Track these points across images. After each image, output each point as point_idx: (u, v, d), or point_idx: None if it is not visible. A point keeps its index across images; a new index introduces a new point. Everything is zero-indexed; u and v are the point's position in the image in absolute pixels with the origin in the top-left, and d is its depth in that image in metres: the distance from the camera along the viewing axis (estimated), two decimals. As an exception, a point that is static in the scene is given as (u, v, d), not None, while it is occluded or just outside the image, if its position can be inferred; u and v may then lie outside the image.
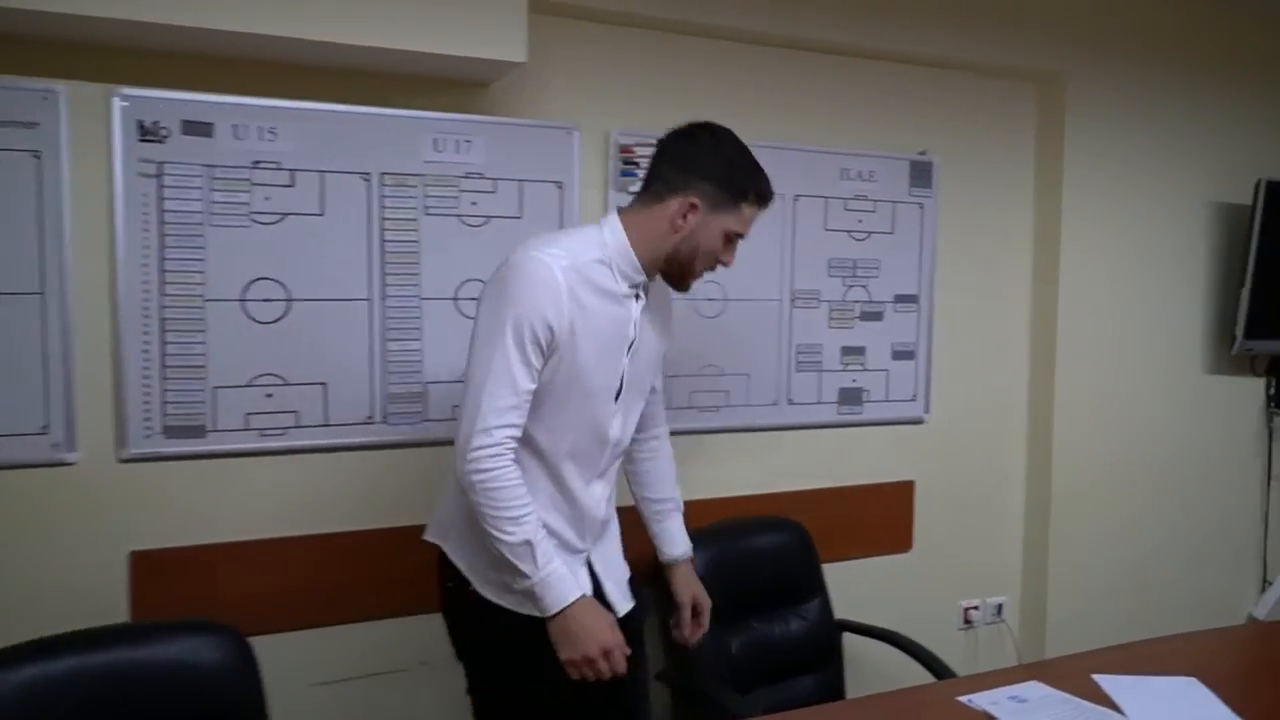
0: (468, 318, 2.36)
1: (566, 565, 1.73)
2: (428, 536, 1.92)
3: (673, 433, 2.59)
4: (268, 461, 2.25)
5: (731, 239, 1.78)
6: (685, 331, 2.63)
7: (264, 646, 2.12)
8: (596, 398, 1.77)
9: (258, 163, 2.18)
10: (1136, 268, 3.23)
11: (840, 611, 2.69)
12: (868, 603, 2.81)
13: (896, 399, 2.95)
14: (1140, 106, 3.17)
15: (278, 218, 2.20)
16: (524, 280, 1.67)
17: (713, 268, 1.82)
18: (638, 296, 1.79)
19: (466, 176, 2.36)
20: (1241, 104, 3.33)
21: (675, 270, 1.80)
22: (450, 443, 2.31)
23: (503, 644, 1.80)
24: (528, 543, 1.66)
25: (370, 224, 2.29)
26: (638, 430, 2.02)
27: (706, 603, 2.11)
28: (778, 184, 2.66)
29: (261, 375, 2.21)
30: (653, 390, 2.02)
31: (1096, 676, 2.01)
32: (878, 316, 2.90)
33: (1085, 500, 3.20)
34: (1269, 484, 3.53)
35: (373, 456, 2.34)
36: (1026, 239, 3.17)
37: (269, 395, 2.22)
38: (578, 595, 1.71)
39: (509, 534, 1.66)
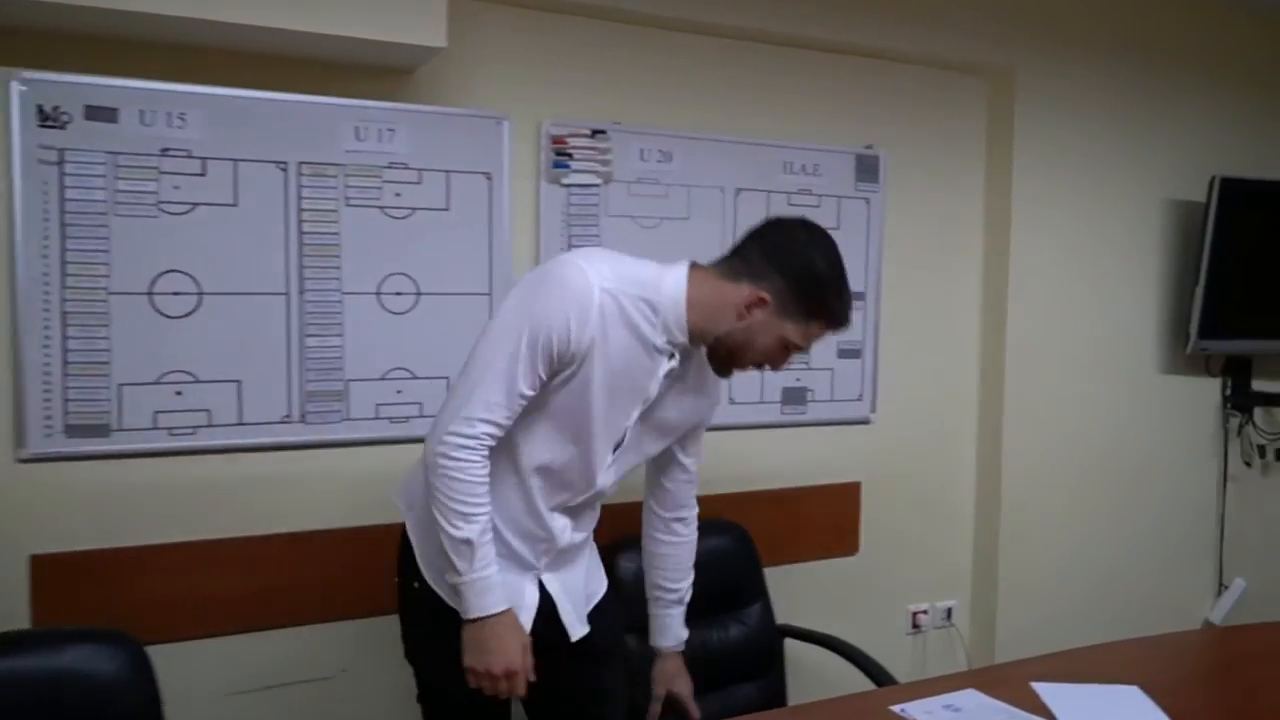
0: (391, 313, 2.31)
1: (510, 578, 1.70)
2: (393, 495, 1.86)
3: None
4: (177, 462, 2.16)
5: (789, 348, 1.71)
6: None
7: (175, 654, 2.08)
8: (595, 438, 1.70)
9: (166, 150, 2.10)
10: (1089, 266, 3.19)
11: (784, 616, 2.63)
12: (813, 607, 2.75)
13: (842, 398, 2.90)
14: (1093, 101, 3.13)
15: (188, 208, 2.12)
16: (558, 286, 1.60)
17: (760, 366, 1.75)
18: (672, 356, 1.69)
19: (390, 167, 2.29)
20: (1197, 100, 3.30)
21: (722, 353, 1.72)
22: (373, 442, 2.31)
23: (453, 647, 1.71)
24: (469, 542, 1.60)
25: (288, 215, 2.21)
26: (663, 508, 1.99)
27: (684, 695, 2.08)
28: (717, 176, 2.67)
29: (171, 372, 2.13)
30: (684, 470, 1.97)
31: (1036, 685, 1.97)
32: (823, 314, 2.84)
33: (1037, 502, 3.16)
34: (1225, 485, 3.50)
35: (290, 458, 2.26)
36: (976, 236, 3.12)
37: (179, 393, 2.14)
38: (501, 608, 1.65)
39: (455, 528, 1.60)
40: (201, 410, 2.17)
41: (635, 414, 1.71)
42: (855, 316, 2.79)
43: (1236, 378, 3.44)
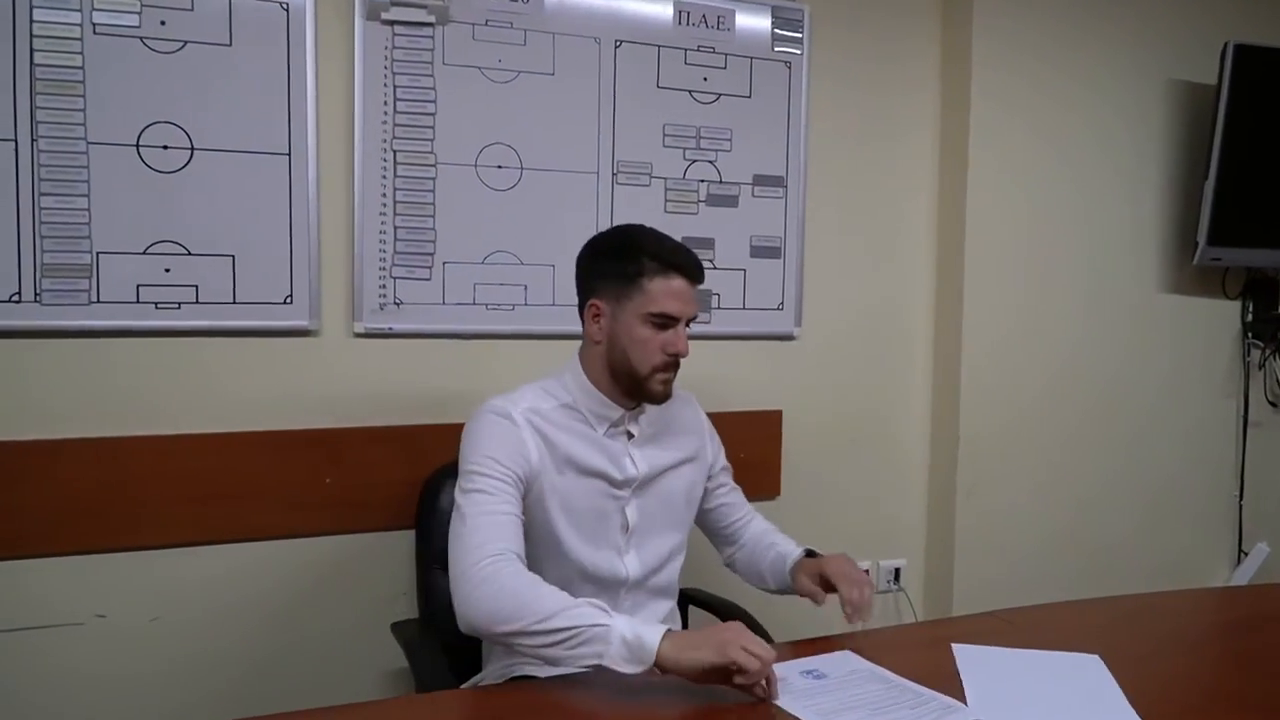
0: (156, 171, 1.96)
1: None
2: None
3: (450, 335, 2.21)
4: None
5: (658, 323, 1.61)
6: (468, 206, 2.20)
7: None
8: (583, 546, 1.66)
9: None
10: (1070, 155, 2.74)
11: (687, 573, 2.21)
12: (718, 563, 2.33)
13: (757, 307, 2.48)
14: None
15: (-125, 25, 1.77)
16: (481, 427, 1.60)
17: (664, 367, 1.63)
18: (630, 435, 1.70)
19: (150, -13, 1.92)
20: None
21: (629, 384, 1.65)
22: (131, 333, 1.96)
23: None
24: (587, 603, 1.38)
25: (15, 42, 1.84)
26: (728, 545, 1.93)
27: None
28: (592, 23, 2.26)
29: None
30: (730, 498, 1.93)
31: (956, 647, 1.57)
32: (731, 201, 2.43)
33: (1005, 446, 2.72)
34: (1245, 432, 3.03)
35: (20, 346, 1.90)
36: (929, 111, 2.69)
37: None
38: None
39: (542, 620, 1.35)
40: (-101, 282, 1.81)
41: (628, 498, 1.69)
42: (773, 207, 2.47)
43: (1259, 299, 2.97)
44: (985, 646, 1.58)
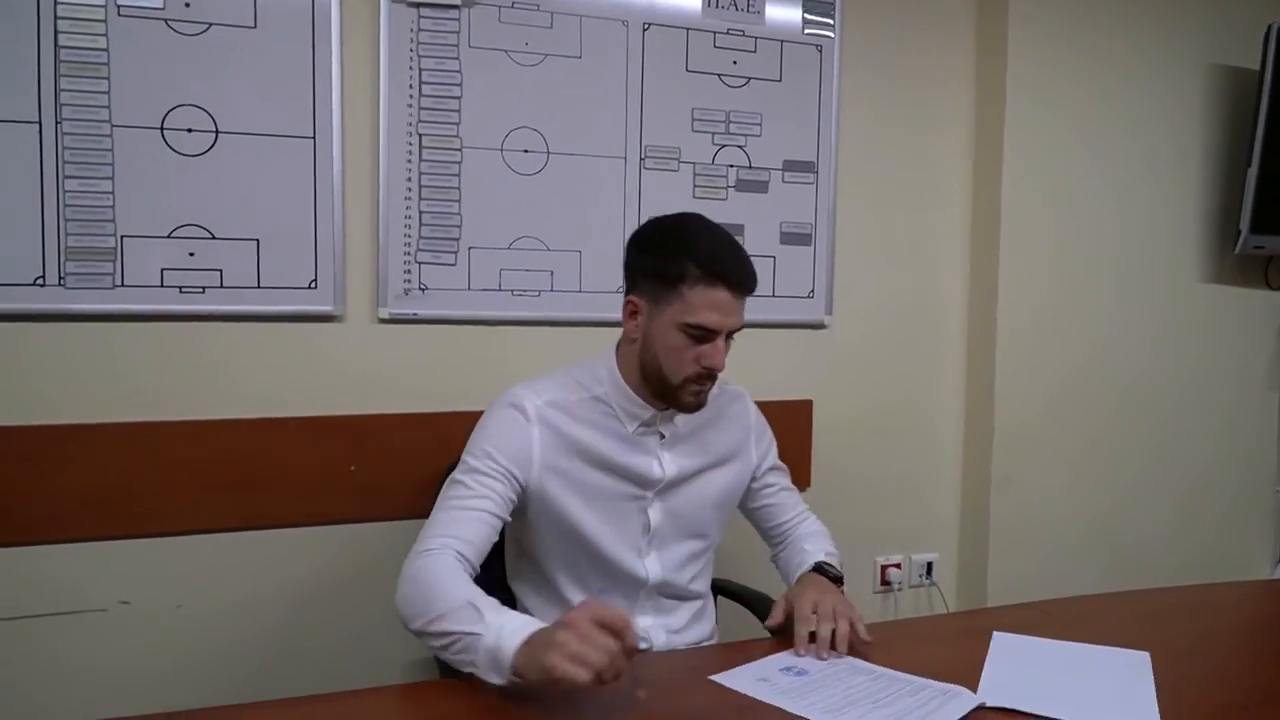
0: (181, 154, 1.94)
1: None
2: None
3: (475, 321, 2.17)
4: (-109, 329, 1.81)
5: (695, 334, 1.48)
6: (494, 191, 2.17)
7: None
8: (601, 542, 1.59)
9: None
10: (1107, 142, 2.67)
11: (716, 567, 2.17)
12: (751, 557, 2.28)
13: (787, 294, 2.44)
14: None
15: (-100, 6, 1.76)
16: (489, 418, 1.56)
17: (698, 379, 1.52)
18: (662, 436, 1.62)
19: (175, -31, 1.91)
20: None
21: (659, 388, 1.56)
22: (155, 317, 1.94)
23: None
24: (469, 604, 1.26)
25: (39, 23, 1.83)
26: (774, 545, 1.83)
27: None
28: (619, 6, 2.22)
29: (-119, 214, 1.77)
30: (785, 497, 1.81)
31: (996, 635, 1.52)
32: (761, 187, 2.39)
33: (1040, 439, 2.66)
34: (1288, 426, 2.96)
35: (44, 330, 1.89)
36: (963, 98, 2.63)
37: (-107, 242, 1.78)
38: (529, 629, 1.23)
39: (439, 614, 1.28)
40: (-76, 265, 1.80)
41: (645, 495, 1.61)
42: (804, 193, 2.43)
43: (1302, 290, 2.90)
44: (1027, 636, 1.53)
